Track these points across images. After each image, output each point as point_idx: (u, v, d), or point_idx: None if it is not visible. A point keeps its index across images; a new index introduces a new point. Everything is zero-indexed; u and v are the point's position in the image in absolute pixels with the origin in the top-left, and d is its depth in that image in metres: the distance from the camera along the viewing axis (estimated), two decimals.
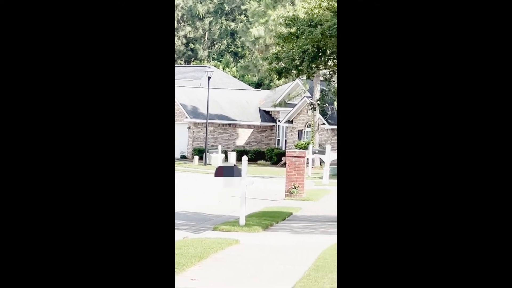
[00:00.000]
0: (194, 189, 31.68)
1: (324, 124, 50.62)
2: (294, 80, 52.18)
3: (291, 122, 54.64)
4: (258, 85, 70.32)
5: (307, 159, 37.25)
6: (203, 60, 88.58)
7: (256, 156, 54.65)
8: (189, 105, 56.65)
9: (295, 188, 27.64)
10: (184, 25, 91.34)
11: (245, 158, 19.50)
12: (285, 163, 29.60)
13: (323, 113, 49.89)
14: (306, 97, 52.41)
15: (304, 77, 42.86)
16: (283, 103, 55.65)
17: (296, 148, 48.13)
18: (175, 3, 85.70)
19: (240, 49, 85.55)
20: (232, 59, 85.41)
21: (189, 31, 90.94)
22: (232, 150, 55.17)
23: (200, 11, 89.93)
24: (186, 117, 55.84)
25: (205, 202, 25.96)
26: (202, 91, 55.71)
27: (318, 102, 46.82)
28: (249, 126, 57.83)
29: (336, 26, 21.78)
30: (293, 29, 23.60)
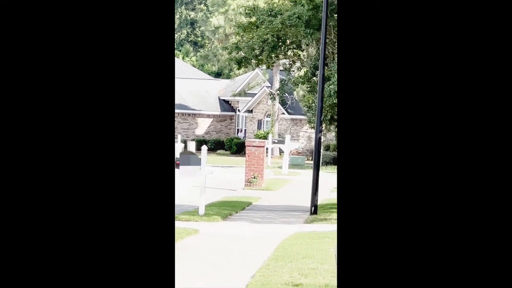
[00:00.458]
0: None
1: (283, 113, 50.70)
2: (253, 69, 52.17)
3: (251, 111, 54.64)
4: (218, 75, 70.20)
5: (267, 148, 37.30)
6: None
7: (215, 146, 54.61)
8: None
9: (254, 177, 27.69)
10: None
11: (204, 148, 19.45)
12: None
13: (283, 102, 49.99)
14: (266, 86, 52.46)
15: (264, 67, 42.92)
16: (243, 93, 55.59)
17: (256, 138, 48.17)
18: None
19: (199, 39, 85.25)
20: (191, 48, 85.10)
21: None
22: (192, 140, 55.07)
23: None
24: None
25: None
26: None
27: (278, 91, 46.89)
28: (208, 116, 57.73)
29: (295, 15, 21.77)
30: (253, 19, 23.51)
